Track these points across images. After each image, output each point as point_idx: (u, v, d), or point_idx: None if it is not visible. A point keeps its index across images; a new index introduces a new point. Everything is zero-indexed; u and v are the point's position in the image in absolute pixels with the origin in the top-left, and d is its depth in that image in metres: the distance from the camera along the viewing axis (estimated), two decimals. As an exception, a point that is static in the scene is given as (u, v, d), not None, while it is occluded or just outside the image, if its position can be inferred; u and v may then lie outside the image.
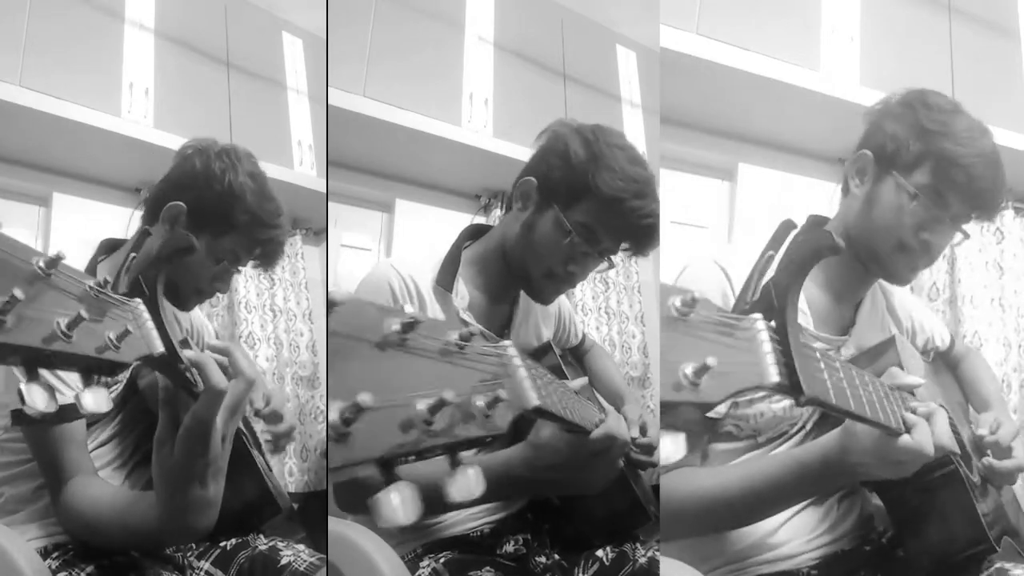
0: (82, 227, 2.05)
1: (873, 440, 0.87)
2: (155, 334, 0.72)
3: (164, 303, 0.76)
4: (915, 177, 1.08)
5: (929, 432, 0.86)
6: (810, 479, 0.97)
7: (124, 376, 1.20)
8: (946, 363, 1.38)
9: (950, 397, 1.30)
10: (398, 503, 0.53)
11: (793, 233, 1.07)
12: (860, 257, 1.13)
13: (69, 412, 1.11)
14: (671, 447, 0.57)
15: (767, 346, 0.61)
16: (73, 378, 1.12)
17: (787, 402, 1.05)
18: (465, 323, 1.24)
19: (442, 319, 1.21)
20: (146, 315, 0.72)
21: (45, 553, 1.12)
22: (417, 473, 0.57)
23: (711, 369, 0.57)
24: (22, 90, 1.81)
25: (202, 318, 1.43)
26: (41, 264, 0.55)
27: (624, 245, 1.24)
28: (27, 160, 2.01)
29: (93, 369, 0.62)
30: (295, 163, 2.38)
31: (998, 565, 1.07)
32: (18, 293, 0.51)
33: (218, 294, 2.00)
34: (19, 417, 1.10)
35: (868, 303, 1.21)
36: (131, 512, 1.01)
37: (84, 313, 0.57)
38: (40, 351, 0.54)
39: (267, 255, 1.29)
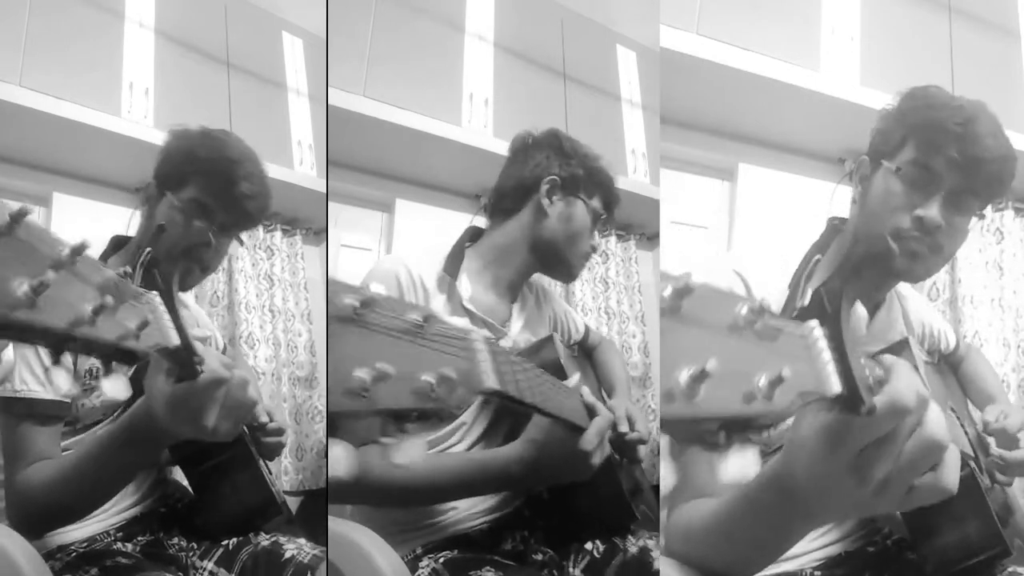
0: (82, 227, 2.05)
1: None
2: (171, 326, 0.74)
3: (179, 298, 0.77)
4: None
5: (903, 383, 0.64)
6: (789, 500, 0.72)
7: (130, 371, 1.19)
8: (949, 364, 1.38)
9: (955, 399, 1.30)
10: None
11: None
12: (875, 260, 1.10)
13: (47, 406, 1.09)
14: (738, 464, 0.51)
15: (826, 355, 0.58)
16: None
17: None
18: (471, 313, 1.26)
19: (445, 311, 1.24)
20: (162, 308, 0.73)
21: (48, 554, 1.12)
22: None
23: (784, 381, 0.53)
24: (22, 90, 1.81)
25: (207, 321, 1.42)
26: (66, 252, 0.55)
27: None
28: (27, 160, 2.01)
29: (113, 357, 0.64)
30: (295, 163, 2.38)
31: (1011, 569, 1.06)
32: (51, 275, 0.51)
33: (219, 294, 1.96)
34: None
35: (885, 308, 1.20)
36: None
37: (110, 300, 0.57)
38: (67, 334, 0.54)
39: (234, 206, 1.23)
